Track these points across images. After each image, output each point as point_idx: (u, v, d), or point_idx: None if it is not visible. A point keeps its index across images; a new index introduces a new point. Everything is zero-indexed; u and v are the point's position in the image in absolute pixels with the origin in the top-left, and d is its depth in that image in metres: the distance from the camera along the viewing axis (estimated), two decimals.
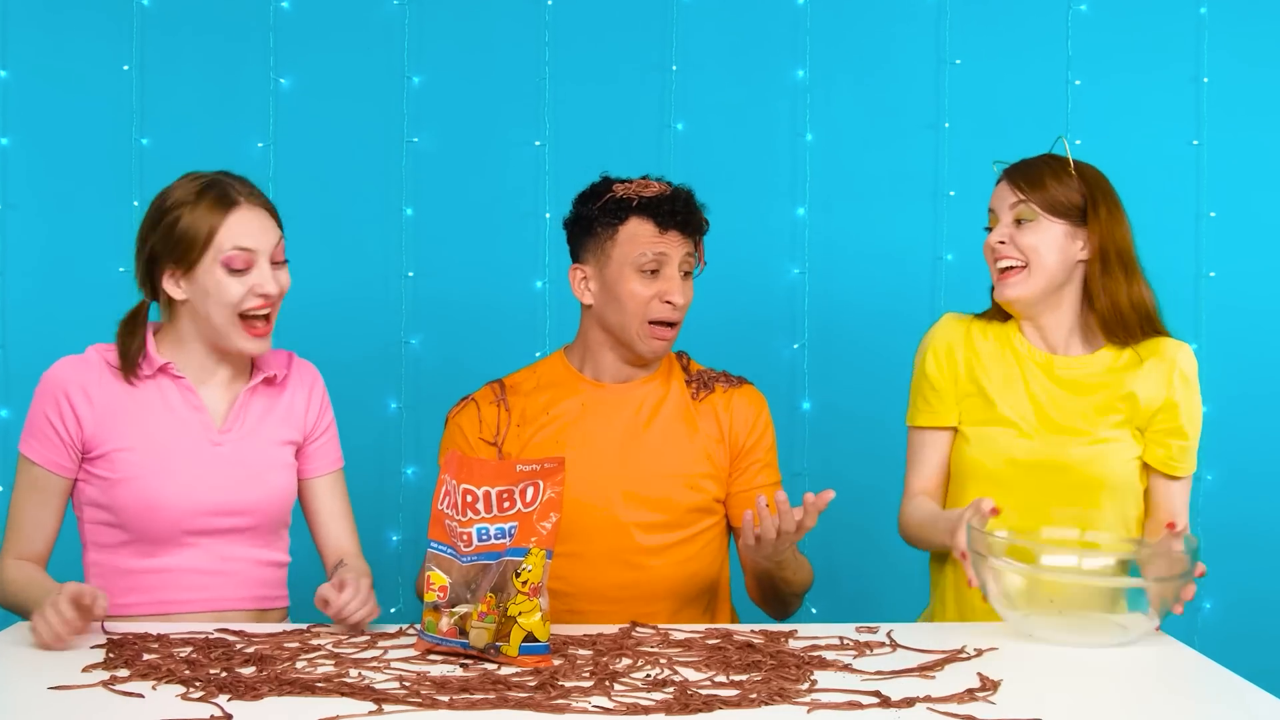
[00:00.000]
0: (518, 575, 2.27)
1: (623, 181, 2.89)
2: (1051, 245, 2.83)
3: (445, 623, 2.33)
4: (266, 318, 2.66)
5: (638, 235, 2.84)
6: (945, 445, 2.94)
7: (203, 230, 2.59)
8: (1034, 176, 2.86)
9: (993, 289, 2.97)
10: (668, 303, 2.85)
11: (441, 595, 2.35)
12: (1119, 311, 2.85)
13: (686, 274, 2.88)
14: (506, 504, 2.34)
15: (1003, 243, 2.85)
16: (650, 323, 2.86)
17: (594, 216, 2.87)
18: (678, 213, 2.85)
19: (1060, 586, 2.38)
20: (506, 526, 2.33)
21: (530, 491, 2.33)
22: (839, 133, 3.93)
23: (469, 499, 2.36)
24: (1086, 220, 2.84)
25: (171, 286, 2.64)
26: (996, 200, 2.89)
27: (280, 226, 2.67)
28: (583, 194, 2.92)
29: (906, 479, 2.96)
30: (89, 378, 2.67)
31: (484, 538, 2.33)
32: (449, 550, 2.37)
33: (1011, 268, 2.85)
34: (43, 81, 3.85)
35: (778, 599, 2.89)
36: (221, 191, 2.63)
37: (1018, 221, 2.84)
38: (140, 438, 2.65)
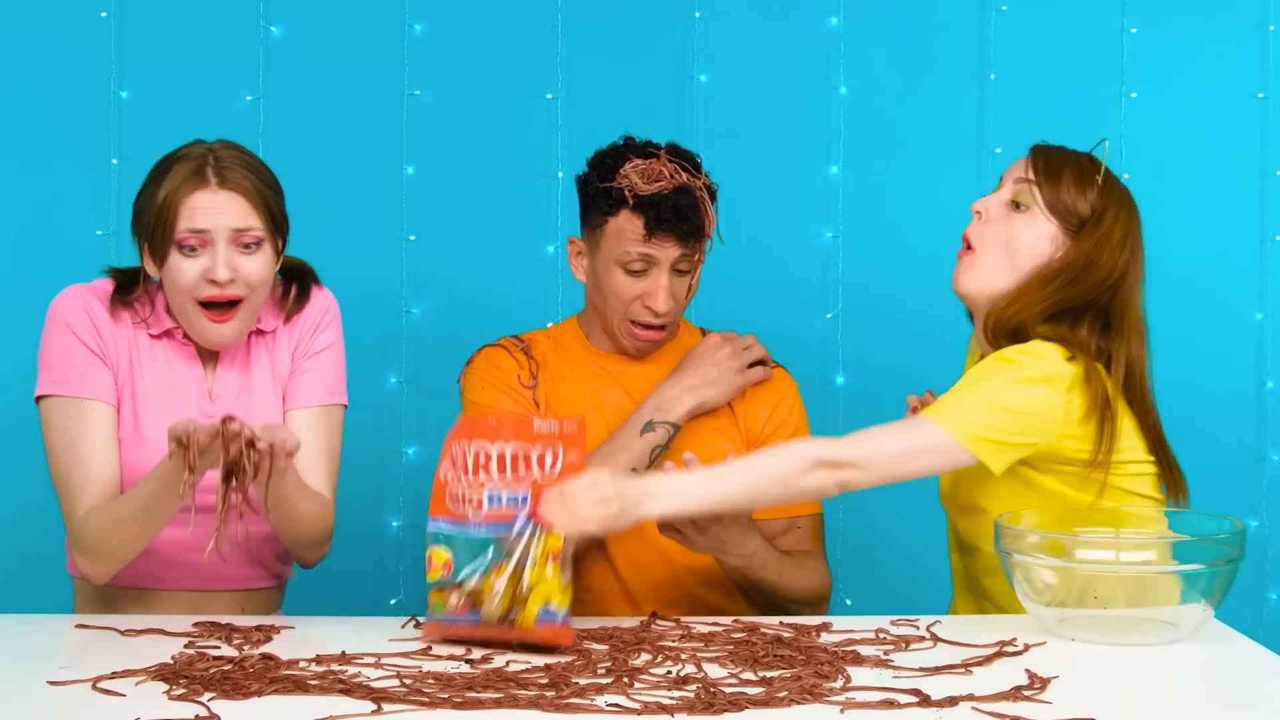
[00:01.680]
0: (535, 541, 2.27)
1: (635, 159, 2.84)
2: (1031, 237, 2.68)
3: (455, 598, 2.32)
4: (232, 304, 2.63)
5: (625, 232, 2.81)
6: None
7: (166, 211, 2.58)
8: (1055, 166, 2.72)
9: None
10: (649, 307, 2.84)
11: (445, 572, 2.34)
12: (1017, 328, 2.67)
13: (683, 272, 2.85)
14: (522, 470, 2.33)
15: (978, 213, 2.73)
16: (632, 322, 2.86)
17: (592, 196, 2.87)
18: (668, 218, 2.79)
19: (1103, 579, 2.36)
20: (520, 494, 2.32)
21: (549, 457, 2.32)
22: (875, 85, 3.90)
23: (482, 459, 2.35)
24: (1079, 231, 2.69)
25: (148, 264, 2.65)
26: (1010, 169, 2.79)
27: (268, 214, 2.63)
28: (595, 157, 2.89)
29: None
30: (102, 312, 2.67)
31: (495, 503, 2.32)
32: (451, 526, 2.35)
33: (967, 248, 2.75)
34: (12, 28, 3.84)
35: (769, 607, 2.82)
36: (193, 169, 2.60)
37: (1015, 203, 2.74)
38: (133, 399, 2.65)
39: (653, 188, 2.80)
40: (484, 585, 2.29)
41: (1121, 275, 2.66)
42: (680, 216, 2.79)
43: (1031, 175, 2.71)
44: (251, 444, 2.35)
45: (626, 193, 2.80)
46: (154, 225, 2.59)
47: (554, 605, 2.26)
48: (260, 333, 2.75)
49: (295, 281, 2.79)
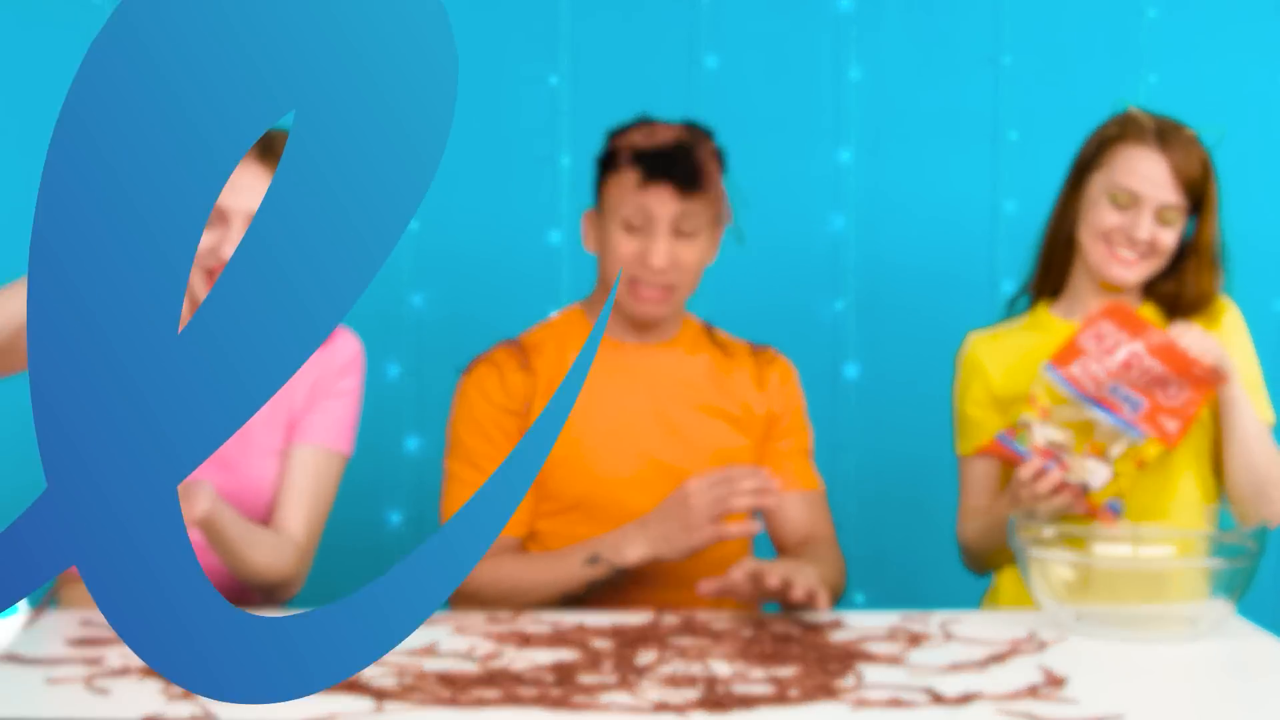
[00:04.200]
0: (1133, 445, 2.65)
1: (648, 124, 2.88)
2: (1176, 237, 2.84)
3: (1041, 442, 2.68)
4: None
5: (624, 185, 2.82)
6: (995, 471, 2.94)
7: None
8: (1192, 167, 2.82)
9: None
10: (647, 265, 2.80)
11: (1044, 416, 2.68)
12: (1185, 297, 2.89)
13: (688, 234, 2.81)
14: (1150, 384, 2.66)
15: (1148, 242, 2.81)
16: (633, 280, 2.84)
17: (600, 158, 2.89)
18: (662, 166, 2.79)
19: (1121, 575, 2.37)
20: (1138, 401, 2.66)
21: (1174, 389, 2.65)
22: (887, 68, 3.90)
23: (1121, 350, 2.65)
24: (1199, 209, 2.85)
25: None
26: (1145, 181, 2.80)
27: None
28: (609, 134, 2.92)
29: (961, 503, 2.98)
30: None
31: (1114, 394, 2.67)
32: (1065, 384, 2.69)
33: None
34: (1, 17, 3.84)
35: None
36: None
37: (1163, 221, 2.81)
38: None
39: (651, 143, 2.82)
40: (1075, 449, 2.66)
41: None
42: (675, 165, 2.78)
43: (1177, 200, 2.80)
44: None
45: (626, 149, 2.83)
46: None
47: (1119, 500, 2.66)
48: None
49: None
